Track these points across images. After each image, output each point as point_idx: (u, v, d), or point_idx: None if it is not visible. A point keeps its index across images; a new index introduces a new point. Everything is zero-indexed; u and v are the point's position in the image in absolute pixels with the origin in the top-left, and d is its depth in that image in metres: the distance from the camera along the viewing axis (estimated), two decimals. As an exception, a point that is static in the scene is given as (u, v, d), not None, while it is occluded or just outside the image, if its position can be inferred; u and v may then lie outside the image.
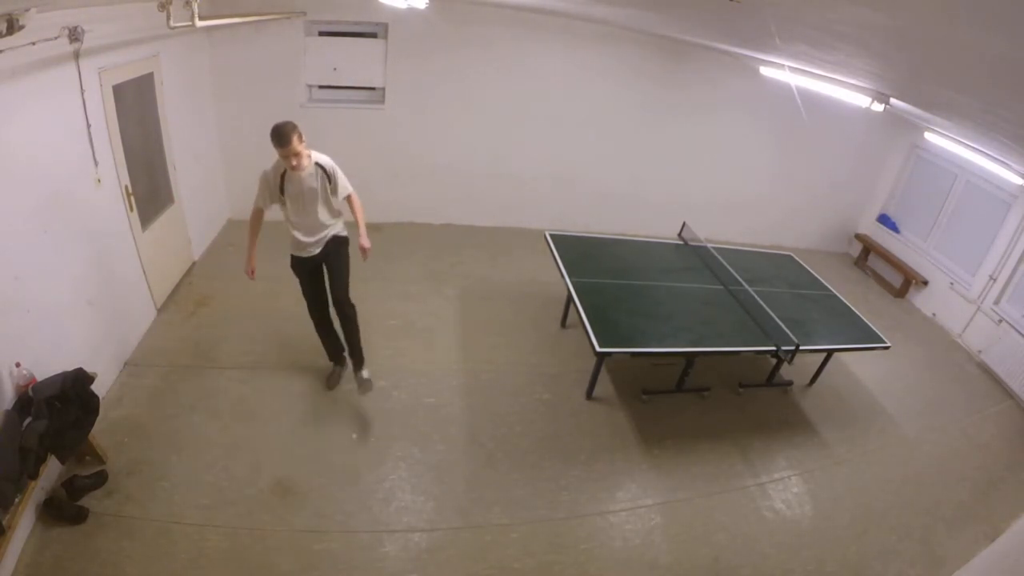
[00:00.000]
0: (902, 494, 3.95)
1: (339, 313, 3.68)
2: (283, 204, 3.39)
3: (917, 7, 1.40)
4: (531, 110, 6.36)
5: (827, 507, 3.74)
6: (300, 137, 3.14)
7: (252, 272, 3.56)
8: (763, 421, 4.42)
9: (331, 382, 4.05)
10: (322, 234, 3.49)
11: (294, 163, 3.15)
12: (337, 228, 3.57)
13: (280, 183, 3.31)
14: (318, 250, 3.52)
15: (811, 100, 4.94)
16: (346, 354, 3.96)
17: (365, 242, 3.41)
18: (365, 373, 3.83)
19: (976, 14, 1.26)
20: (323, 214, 3.44)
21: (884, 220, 7.53)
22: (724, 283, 4.87)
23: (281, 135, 3.08)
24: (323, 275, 3.65)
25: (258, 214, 3.47)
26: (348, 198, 3.47)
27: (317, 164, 3.31)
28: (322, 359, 4.25)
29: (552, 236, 5.08)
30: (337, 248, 3.58)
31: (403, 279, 5.56)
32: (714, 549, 3.33)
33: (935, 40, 1.67)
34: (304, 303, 3.78)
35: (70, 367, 2.88)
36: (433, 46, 5.82)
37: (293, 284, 4.20)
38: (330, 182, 3.35)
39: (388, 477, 3.44)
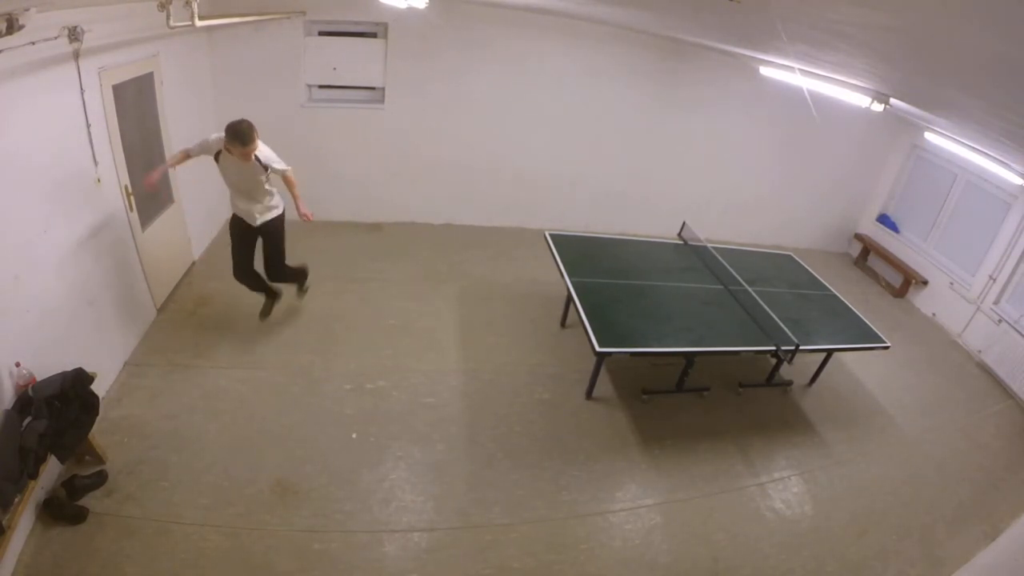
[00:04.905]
0: (902, 494, 3.95)
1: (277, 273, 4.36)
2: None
3: (917, 7, 1.40)
4: (531, 110, 6.36)
5: (827, 507, 3.74)
6: (257, 135, 3.54)
7: (152, 181, 3.72)
8: (763, 421, 4.42)
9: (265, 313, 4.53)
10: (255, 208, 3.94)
11: (248, 160, 3.58)
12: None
13: (217, 154, 3.69)
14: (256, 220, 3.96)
15: (811, 100, 4.94)
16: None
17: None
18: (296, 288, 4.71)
19: (976, 14, 1.25)
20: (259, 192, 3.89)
21: (884, 220, 7.53)
22: (724, 283, 4.87)
23: (246, 134, 3.44)
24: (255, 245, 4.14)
25: (184, 155, 3.82)
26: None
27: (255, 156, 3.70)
28: (320, 358, 4.30)
29: (552, 236, 5.08)
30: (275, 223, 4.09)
31: (403, 279, 5.56)
32: (714, 549, 3.33)
33: (936, 40, 1.67)
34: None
35: (70, 367, 2.88)
36: (433, 46, 5.82)
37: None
38: (265, 169, 3.75)
39: (388, 477, 3.44)
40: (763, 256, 5.84)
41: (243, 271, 4.20)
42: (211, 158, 3.76)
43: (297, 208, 4.00)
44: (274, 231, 4.08)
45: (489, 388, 4.29)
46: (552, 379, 4.47)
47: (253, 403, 3.82)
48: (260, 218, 3.96)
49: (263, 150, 3.72)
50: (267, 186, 3.88)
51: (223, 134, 3.54)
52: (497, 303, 5.40)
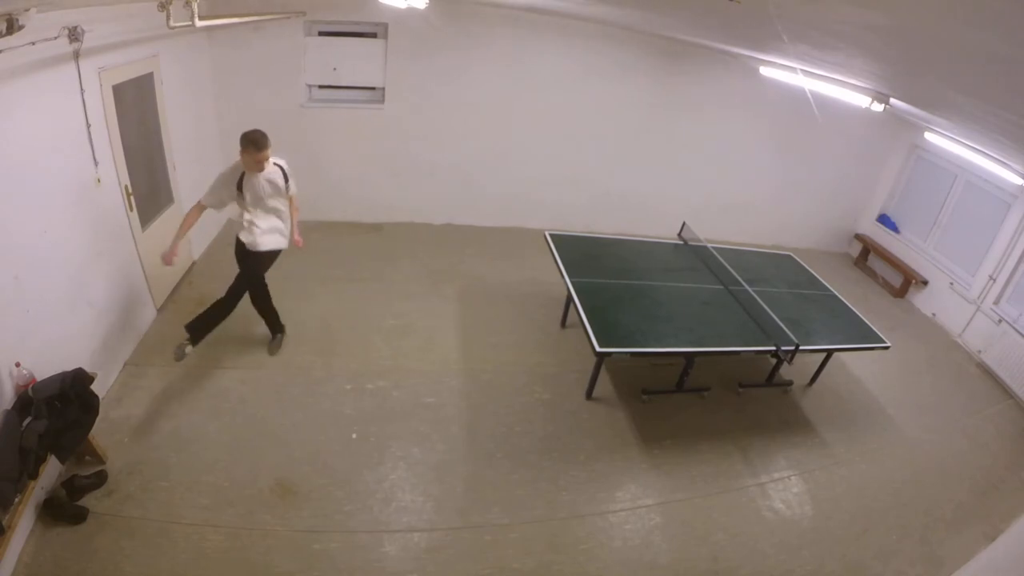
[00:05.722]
0: (902, 494, 3.95)
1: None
2: (242, 203, 3.65)
3: (917, 7, 1.40)
4: (531, 110, 6.36)
5: (827, 507, 3.74)
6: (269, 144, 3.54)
7: (171, 258, 3.63)
8: (763, 421, 4.42)
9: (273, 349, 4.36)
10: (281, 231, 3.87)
11: (265, 166, 3.53)
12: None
13: (239, 181, 3.57)
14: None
15: (812, 100, 4.94)
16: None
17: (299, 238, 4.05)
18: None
19: (976, 14, 1.26)
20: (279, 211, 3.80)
21: (884, 220, 7.53)
22: (724, 283, 4.87)
23: (261, 139, 3.42)
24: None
25: (199, 210, 3.67)
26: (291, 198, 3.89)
27: (276, 164, 3.69)
28: (320, 358, 4.31)
29: (552, 236, 5.08)
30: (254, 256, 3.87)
31: (403, 279, 5.56)
32: (713, 549, 3.33)
33: (935, 40, 1.67)
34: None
35: (70, 367, 2.88)
36: (433, 46, 5.82)
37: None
38: (286, 180, 3.74)
39: (388, 477, 3.44)
40: (763, 256, 5.84)
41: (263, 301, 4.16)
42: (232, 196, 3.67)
43: (293, 232, 3.97)
44: (264, 260, 3.91)
45: (489, 388, 4.29)
46: (552, 379, 4.47)
47: (253, 403, 3.83)
48: (284, 241, 3.89)
49: (283, 162, 3.74)
50: (284, 206, 3.82)
51: (233, 163, 3.58)
52: (497, 303, 5.40)
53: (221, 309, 3.89)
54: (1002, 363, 5.47)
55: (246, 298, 4.04)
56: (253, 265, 3.88)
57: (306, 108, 5.90)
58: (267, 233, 3.77)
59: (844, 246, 8.10)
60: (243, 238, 3.77)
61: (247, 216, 3.69)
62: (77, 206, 3.36)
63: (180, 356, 3.80)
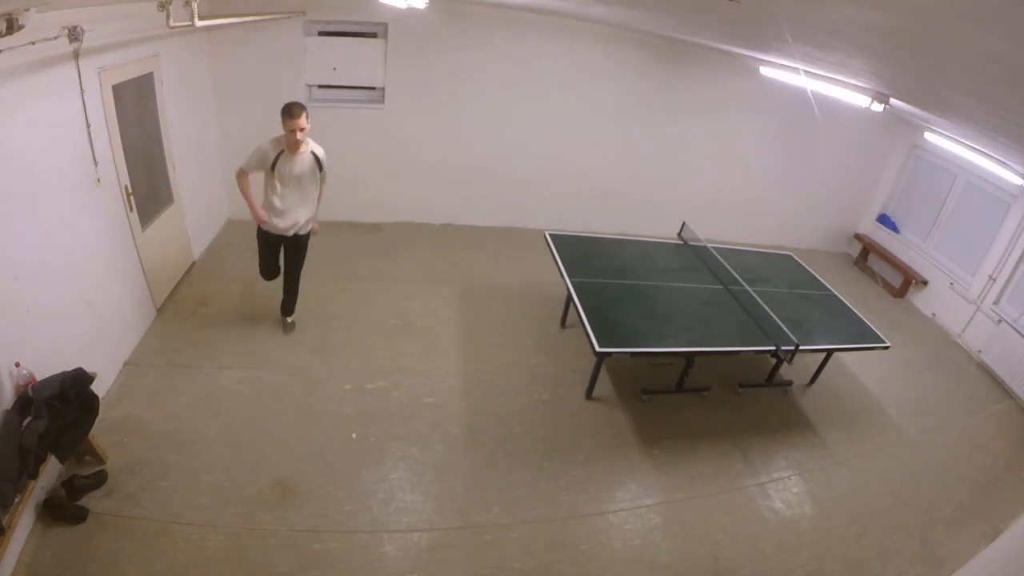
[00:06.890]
0: (902, 494, 3.95)
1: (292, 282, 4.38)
2: (270, 179, 3.82)
3: (916, 7, 1.40)
4: (531, 110, 6.36)
5: (827, 507, 3.74)
6: (307, 117, 3.66)
7: (262, 216, 3.90)
8: (763, 421, 4.42)
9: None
10: (297, 218, 3.99)
11: (299, 137, 3.64)
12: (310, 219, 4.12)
13: (275, 160, 3.73)
14: (291, 232, 4.03)
15: (812, 100, 4.94)
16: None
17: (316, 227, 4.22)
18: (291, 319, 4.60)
19: (976, 14, 1.26)
20: (308, 197, 3.98)
21: (884, 220, 7.53)
22: (724, 283, 4.87)
23: (295, 107, 3.58)
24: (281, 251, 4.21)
25: (244, 176, 3.86)
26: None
27: (312, 152, 3.85)
28: (320, 358, 4.31)
29: (552, 236, 5.08)
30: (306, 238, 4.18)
31: (403, 279, 5.56)
32: (714, 549, 3.33)
33: (935, 40, 1.67)
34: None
35: (70, 367, 2.88)
36: (433, 46, 5.82)
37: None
38: (320, 169, 3.94)
39: (388, 477, 3.44)
40: (763, 256, 5.84)
41: (272, 272, 4.36)
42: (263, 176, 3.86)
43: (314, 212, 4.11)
44: (305, 245, 4.21)
45: (489, 388, 4.29)
46: (552, 379, 4.47)
47: (253, 403, 3.82)
48: (304, 228, 4.06)
49: (320, 151, 3.90)
50: (316, 192, 4.03)
51: (272, 138, 3.73)
52: (497, 303, 5.40)
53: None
54: (1002, 363, 5.47)
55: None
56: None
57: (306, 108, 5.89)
58: (278, 215, 3.95)
59: (844, 246, 8.10)
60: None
61: (270, 196, 3.90)
62: (77, 206, 3.36)
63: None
